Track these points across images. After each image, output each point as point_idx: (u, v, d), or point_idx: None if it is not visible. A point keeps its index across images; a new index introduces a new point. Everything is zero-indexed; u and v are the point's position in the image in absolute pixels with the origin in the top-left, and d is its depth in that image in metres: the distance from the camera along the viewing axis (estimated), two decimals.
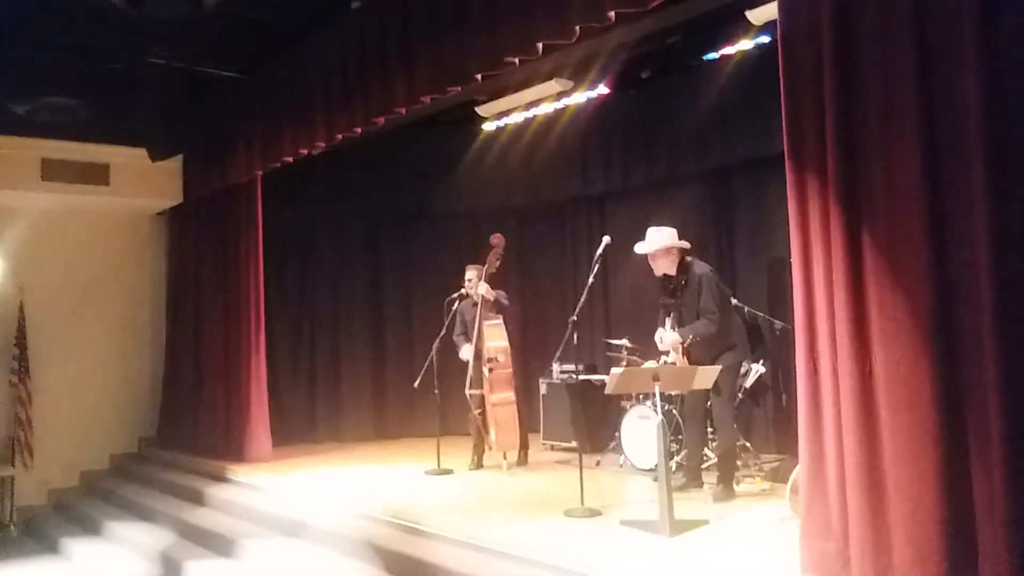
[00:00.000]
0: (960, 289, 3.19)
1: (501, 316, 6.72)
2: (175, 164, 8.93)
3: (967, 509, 3.14)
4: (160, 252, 9.44)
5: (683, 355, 5.30)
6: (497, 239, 6.72)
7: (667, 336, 5.31)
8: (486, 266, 6.71)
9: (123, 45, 6.83)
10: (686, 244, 5.48)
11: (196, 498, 7.01)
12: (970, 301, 3.14)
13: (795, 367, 3.75)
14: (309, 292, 9.15)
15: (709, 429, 6.05)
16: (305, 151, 6.90)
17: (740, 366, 5.60)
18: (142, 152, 8.81)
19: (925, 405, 3.22)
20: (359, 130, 6.38)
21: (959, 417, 3.18)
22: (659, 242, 5.39)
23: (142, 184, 8.94)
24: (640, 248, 5.48)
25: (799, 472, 3.78)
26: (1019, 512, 2.94)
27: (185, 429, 8.47)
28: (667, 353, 5.49)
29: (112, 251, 9.20)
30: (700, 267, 5.43)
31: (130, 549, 6.54)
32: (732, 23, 6.30)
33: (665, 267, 5.45)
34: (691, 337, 5.25)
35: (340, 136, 6.50)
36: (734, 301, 6.33)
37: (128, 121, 8.30)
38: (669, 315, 5.39)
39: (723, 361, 5.21)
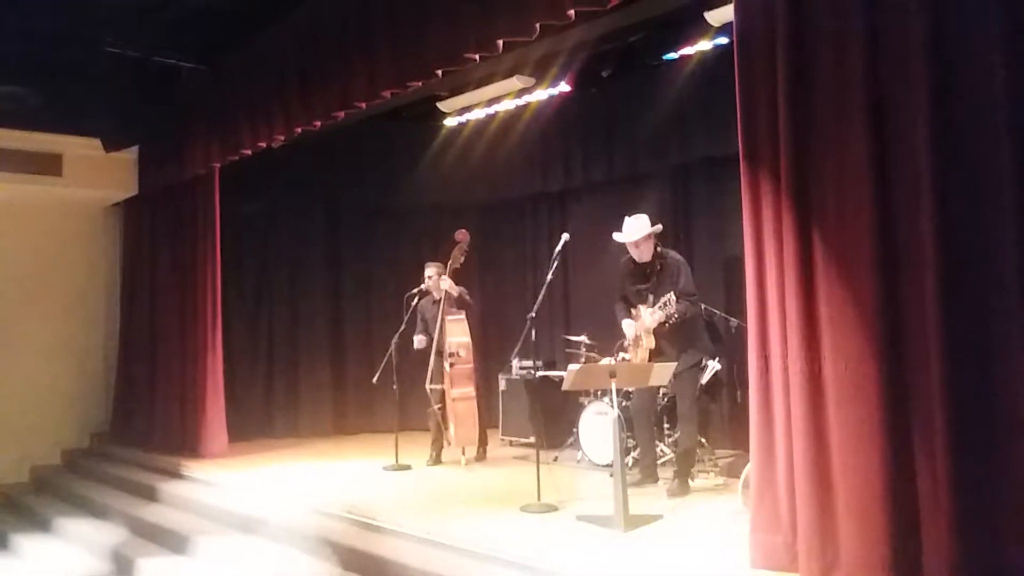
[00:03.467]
0: (907, 289, 3.27)
1: (463, 311, 6.73)
2: (131, 155, 8.79)
3: (912, 504, 3.22)
4: (115, 244, 9.27)
5: (652, 337, 5.34)
6: (462, 235, 6.71)
7: (651, 316, 5.27)
8: (450, 261, 6.70)
9: (76, 33, 6.68)
10: (659, 227, 5.56)
11: (149, 494, 6.91)
12: (916, 301, 3.22)
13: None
14: (267, 287, 9.05)
15: (666, 425, 6.16)
16: (264, 144, 6.83)
17: (701, 363, 5.68)
18: (96, 143, 8.65)
19: (872, 402, 3.29)
20: (319, 124, 6.33)
21: (904, 413, 3.26)
22: (643, 229, 5.45)
23: (96, 175, 8.77)
24: (623, 237, 5.50)
25: (751, 467, 3.84)
26: (962, 506, 3.02)
27: (139, 424, 8.35)
28: (636, 340, 5.51)
29: (65, 243, 9.01)
30: (674, 254, 5.59)
31: (81, 546, 6.43)
32: (691, 24, 6.37)
33: (647, 253, 5.50)
34: (675, 316, 5.25)
35: (299, 129, 6.45)
36: None
37: (81, 111, 8.12)
38: (639, 303, 5.42)
39: (687, 358, 5.27)
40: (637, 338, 5.51)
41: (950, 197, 3.11)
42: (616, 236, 5.56)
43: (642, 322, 5.38)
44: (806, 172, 3.56)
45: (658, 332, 5.37)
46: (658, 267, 5.49)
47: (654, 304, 5.33)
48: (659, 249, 5.55)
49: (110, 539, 6.27)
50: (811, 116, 3.55)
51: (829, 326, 3.43)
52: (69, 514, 7.12)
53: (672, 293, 5.21)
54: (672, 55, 7.05)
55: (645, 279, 5.54)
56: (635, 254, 5.54)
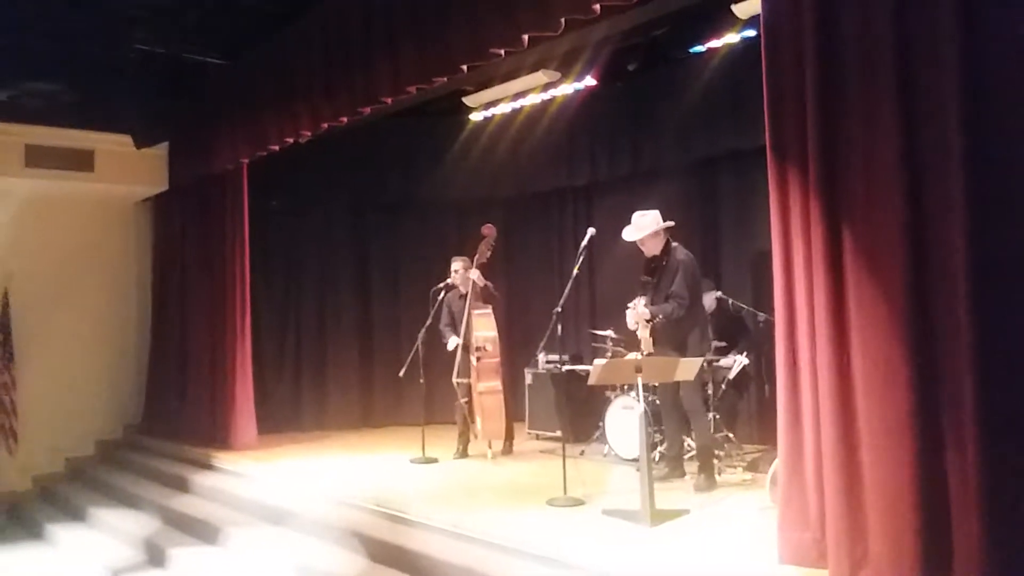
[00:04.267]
0: (937, 284, 3.23)
1: (490, 306, 6.75)
2: (160, 151, 8.91)
3: (942, 500, 3.19)
4: (146, 239, 9.41)
5: (649, 334, 5.35)
6: (488, 229, 6.73)
7: (637, 308, 5.34)
8: (477, 255, 6.72)
9: (104, 30, 6.77)
10: (671, 223, 5.55)
11: (181, 485, 7.02)
12: (946, 296, 3.18)
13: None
14: (295, 281, 9.14)
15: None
16: (291, 140, 6.89)
17: (703, 360, 5.65)
18: (127, 139, 8.78)
19: (901, 398, 3.26)
20: (345, 119, 6.37)
21: (934, 409, 3.23)
22: (647, 228, 5.47)
23: (127, 171, 8.91)
24: (629, 235, 5.53)
25: (779, 463, 3.82)
26: (993, 503, 2.99)
27: (170, 416, 8.47)
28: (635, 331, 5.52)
29: (97, 237, 9.15)
30: (682, 253, 5.53)
31: (114, 535, 6.55)
32: (718, 16, 6.33)
33: (654, 249, 5.53)
34: (659, 316, 5.30)
35: (326, 125, 6.49)
36: (718, 293, 6.41)
37: (112, 107, 8.25)
38: (643, 295, 5.45)
39: (683, 350, 5.25)
40: (636, 330, 5.51)
41: (982, 192, 3.07)
42: (624, 233, 5.57)
43: (634, 312, 5.39)
44: (835, 166, 3.52)
45: (653, 326, 5.37)
46: (663, 263, 5.50)
47: (651, 300, 5.41)
48: (672, 245, 5.54)
49: (143, 529, 6.38)
50: (840, 109, 3.52)
51: (858, 321, 3.40)
52: (103, 504, 7.25)
53: (639, 299, 5.34)
54: (699, 48, 7.01)
55: (651, 273, 5.57)
56: (643, 250, 5.58)
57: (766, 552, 3.71)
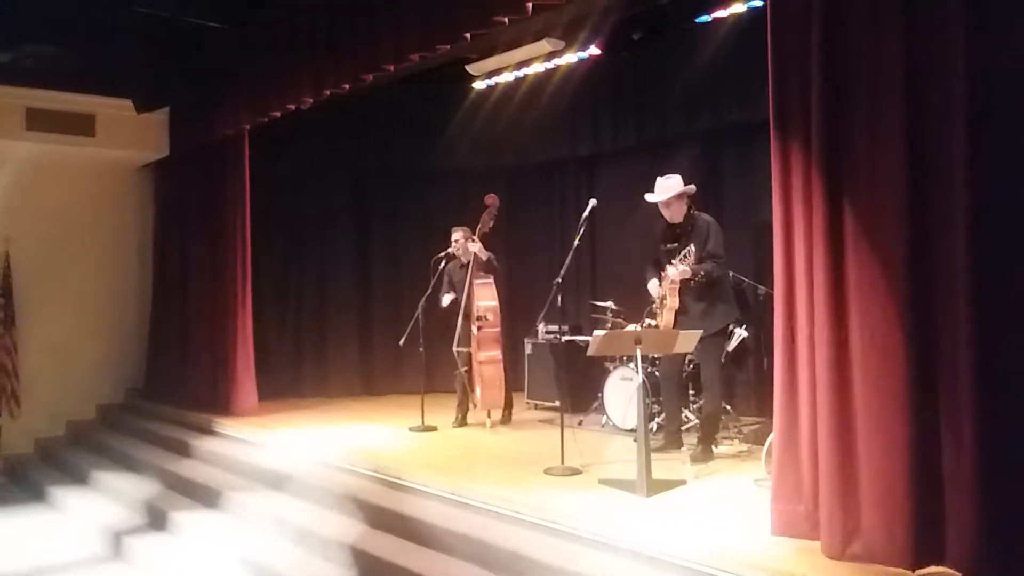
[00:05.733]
0: (937, 263, 3.23)
1: (491, 275, 6.75)
2: (162, 116, 8.86)
3: (935, 477, 3.21)
4: (147, 204, 9.38)
5: (677, 296, 5.33)
6: (491, 199, 6.71)
7: (673, 270, 5.26)
8: (479, 225, 6.71)
9: None
10: (693, 188, 5.54)
11: (182, 449, 7.08)
12: (946, 274, 3.18)
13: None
14: (297, 248, 9.13)
15: (691, 392, 6.17)
16: (292, 106, 6.84)
17: (727, 329, 5.68)
18: (128, 103, 8.72)
19: (898, 374, 3.27)
20: (347, 86, 6.33)
21: (931, 384, 3.24)
22: (674, 188, 5.45)
23: (128, 135, 8.87)
24: (653, 197, 5.51)
25: (774, 435, 3.84)
26: (986, 479, 3.01)
27: (172, 381, 8.52)
28: (662, 300, 5.50)
29: (98, 202, 9.13)
30: (706, 216, 5.56)
31: (116, 498, 6.61)
32: None
33: (678, 214, 5.51)
34: (701, 274, 5.29)
35: (328, 91, 6.45)
36: None
37: (113, 71, 8.19)
38: (667, 262, 5.41)
39: (711, 323, 5.25)
40: (663, 298, 5.50)
41: (985, 168, 3.06)
42: (647, 196, 5.55)
43: (667, 277, 5.37)
44: (838, 142, 3.50)
45: (683, 291, 5.36)
46: (689, 228, 5.49)
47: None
48: (692, 211, 5.53)
49: (144, 492, 6.44)
50: (845, 83, 3.48)
51: (857, 296, 3.40)
52: (104, 467, 7.31)
53: (693, 246, 5.23)
54: (705, 18, 6.94)
55: (675, 239, 5.54)
56: (666, 214, 5.55)
57: (760, 523, 3.75)
